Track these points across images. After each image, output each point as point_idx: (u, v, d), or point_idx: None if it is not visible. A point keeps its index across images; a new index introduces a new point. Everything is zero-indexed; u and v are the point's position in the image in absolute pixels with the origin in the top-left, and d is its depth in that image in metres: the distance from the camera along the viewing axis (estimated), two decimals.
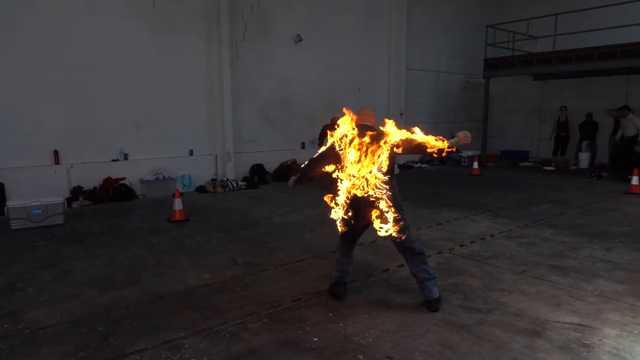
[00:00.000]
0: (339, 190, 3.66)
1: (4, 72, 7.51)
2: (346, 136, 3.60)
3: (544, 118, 14.81)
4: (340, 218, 3.71)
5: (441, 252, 5.18)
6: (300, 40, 10.87)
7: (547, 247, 5.34)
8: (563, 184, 9.93)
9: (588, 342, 3.12)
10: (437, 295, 3.69)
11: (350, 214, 3.67)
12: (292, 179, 4.07)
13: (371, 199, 3.55)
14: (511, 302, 3.80)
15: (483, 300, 3.84)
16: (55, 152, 8.10)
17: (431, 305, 3.67)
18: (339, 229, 3.83)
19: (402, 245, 3.70)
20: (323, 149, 3.88)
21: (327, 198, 3.77)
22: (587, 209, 7.41)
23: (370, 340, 3.20)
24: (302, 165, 4.00)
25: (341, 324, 3.43)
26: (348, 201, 3.63)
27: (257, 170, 10.32)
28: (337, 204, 3.69)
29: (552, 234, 5.94)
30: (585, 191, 9.09)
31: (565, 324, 3.40)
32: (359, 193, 3.55)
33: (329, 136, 3.81)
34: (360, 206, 3.64)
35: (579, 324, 3.39)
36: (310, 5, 11.09)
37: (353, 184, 3.56)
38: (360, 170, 3.52)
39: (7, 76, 7.55)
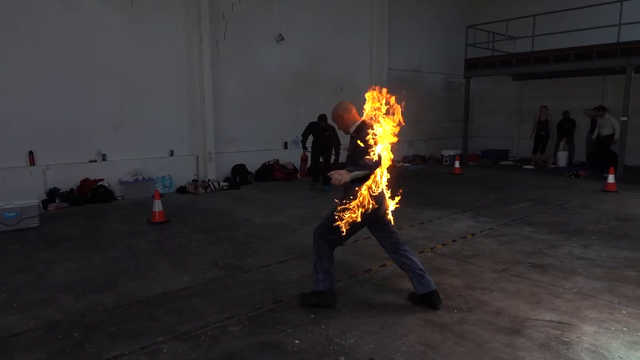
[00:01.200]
0: (362, 189, 3.45)
1: None
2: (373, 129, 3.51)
3: (523, 118, 15.06)
4: (356, 219, 3.48)
5: (423, 252, 5.20)
6: (282, 40, 10.81)
7: (526, 245, 5.41)
8: (542, 183, 10.10)
9: (567, 340, 3.16)
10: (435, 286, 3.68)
11: (370, 212, 3.49)
12: (349, 174, 3.37)
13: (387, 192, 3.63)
14: (492, 300, 3.83)
15: (464, 299, 3.85)
16: (30, 152, 7.88)
17: (434, 298, 3.62)
18: (343, 232, 3.51)
19: (397, 237, 3.73)
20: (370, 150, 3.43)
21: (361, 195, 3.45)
22: (565, 207, 7.54)
23: (352, 341, 3.18)
24: (368, 163, 3.41)
25: (323, 326, 3.40)
26: (374, 197, 3.49)
27: (239, 171, 10.23)
28: (360, 206, 3.46)
29: (531, 232, 6.02)
30: (563, 189, 9.25)
31: (545, 321, 3.44)
32: (382, 187, 3.57)
33: (370, 136, 3.48)
34: (380, 201, 3.58)
35: (558, 322, 3.43)
36: (291, 4, 11.03)
37: (377, 181, 3.51)
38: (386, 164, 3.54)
39: None
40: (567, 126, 12.80)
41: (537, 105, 13.38)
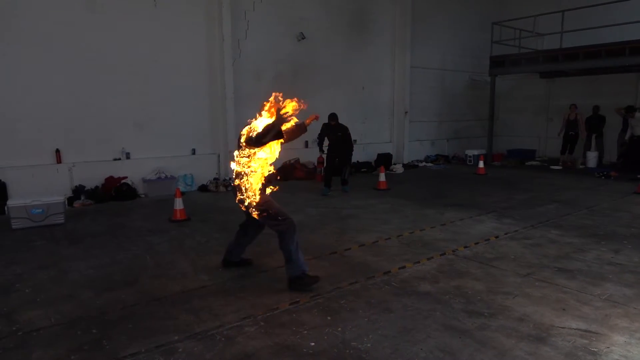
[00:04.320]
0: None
1: (5, 71, 7.49)
2: None
3: (551, 116, 14.63)
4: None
5: (444, 254, 5.08)
6: (303, 39, 10.78)
7: (553, 249, 5.22)
8: (570, 184, 9.77)
9: (595, 350, 3.01)
10: (303, 271, 4.09)
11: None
12: None
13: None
14: (515, 306, 3.70)
15: (486, 304, 3.73)
16: (57, 151, 8.08)
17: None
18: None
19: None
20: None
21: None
22: (595, 210, 7.26)
23: (369, 345, 3.11)
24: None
25: (339, 328, 3.34)
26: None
27: None
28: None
29: (558, 235, 5.81)
30: (592, 191, 8.93)
31: (572, 329, 3.29)
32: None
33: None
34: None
35: (585, 330, 3.28)
36: (312, 2, 10.99)
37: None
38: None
39: (9, 76, 7.53)
40: (595, 122, 12.35)
41: (566, 103, 12.96)
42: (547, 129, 14.78)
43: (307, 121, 4.71)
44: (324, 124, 8.81)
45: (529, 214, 7.00)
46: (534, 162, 13.51)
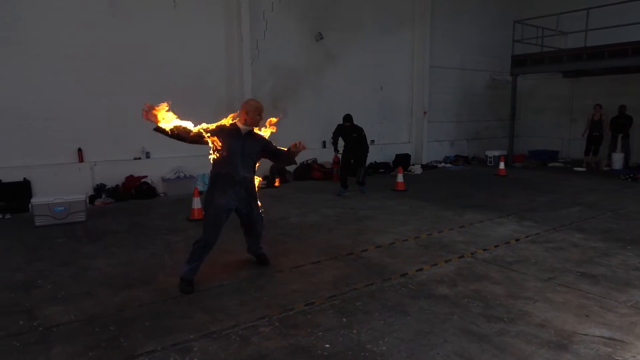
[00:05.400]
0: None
1: (29, 72, 7.67)
2: None
3: (575, 117, 14.28)
4: None
5: (463, 257, 4.99)
6: (321, 39, 10.76)
7: (576, 253, 5.08)
8: (594, 186, 9.51)
9: (619, 359, 2.91)
10: (183, 275, 4.13)
11: None
12: None
13: None
14: (536, 311, 3.60)
15: (506, 309, 3.64)
16: (80, 150, 8.24)
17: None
18: None
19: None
20: None
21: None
22: (621, 213, 7.05)
23: (384, 348, 3.07)
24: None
25: (354, 331, 3.31)
26: None
27: (277, 170, 10.26)
28: None
29: (581, 238, 5.65)
30: (618, 193, 8.67)
31: (595, 337, 3.19)
32: None
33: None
34: None
35: (609, 338, 3.17)
36: (331, 3, 10.96)
37: None
38: None
39: (33, 76, 7.71)
40: (622, 121, 11.98)
41: (590, 103, 12.63)
42: (570, 129, 14.43)
43: (292, 146, 4.73)
44: (339, 125, 8.77)
45: (551, 216, 6.83)
46: (556, 164, 13.20)
